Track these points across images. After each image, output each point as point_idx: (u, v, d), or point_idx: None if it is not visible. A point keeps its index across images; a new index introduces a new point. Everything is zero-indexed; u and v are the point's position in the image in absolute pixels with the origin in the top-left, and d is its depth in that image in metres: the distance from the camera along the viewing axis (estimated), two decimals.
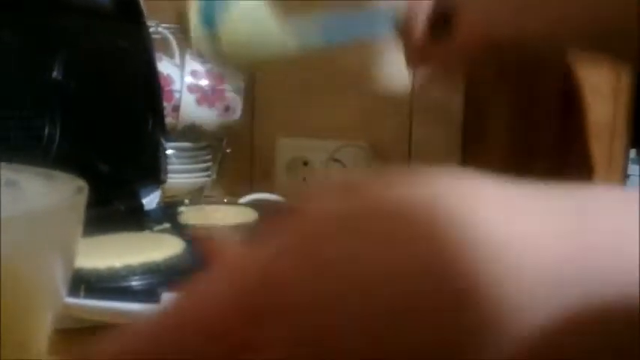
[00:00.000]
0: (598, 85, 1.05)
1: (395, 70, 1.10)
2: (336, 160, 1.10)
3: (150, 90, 0.71)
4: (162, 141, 0.72)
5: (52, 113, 0.59)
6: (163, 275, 0.49)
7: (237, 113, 1.02)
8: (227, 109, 1.00)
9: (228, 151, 1.09)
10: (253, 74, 1.14)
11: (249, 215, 0.65)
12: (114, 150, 0.67)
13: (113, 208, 0.66)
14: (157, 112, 0.72)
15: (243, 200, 1.08)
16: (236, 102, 1.02)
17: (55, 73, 0.59)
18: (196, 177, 1.04)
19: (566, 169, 1.05)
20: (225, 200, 0.95)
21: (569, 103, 1.06)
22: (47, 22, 0.60)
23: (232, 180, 1.12)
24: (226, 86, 1.00)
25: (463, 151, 1.09)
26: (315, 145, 1.12)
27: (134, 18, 0.70)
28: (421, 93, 1.09)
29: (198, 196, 1.03)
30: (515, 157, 1.08)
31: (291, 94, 1.14)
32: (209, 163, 1.06)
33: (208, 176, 1.05)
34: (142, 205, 0.69)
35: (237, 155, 1.14)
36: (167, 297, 0.43)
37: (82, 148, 0.63)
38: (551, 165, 1.07)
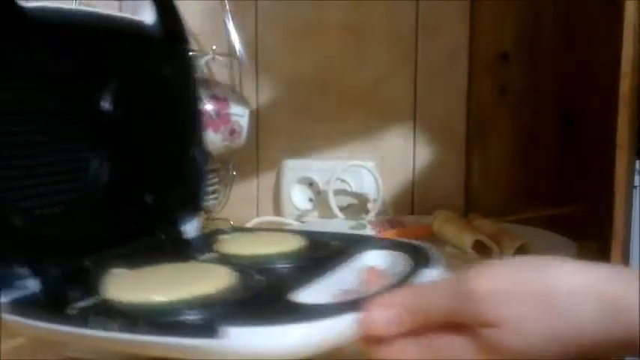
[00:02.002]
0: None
1: (399, 90, 1.11)
2: (342, 181, 1.11)
3: (193, 117, 0.70)
4: (204, 168, 0.71)
5: (101, 143, 0.58)
6: (219, 308, 0.46)
7: (242, 137, 1.03)
8: (232, 132, 1.01)
9: (234, 173, 1.10)
10: (257, 96, 1.15)
11: (296, 242, 0.63)
12: (159, 179, 0.65)
13: (155, 238, 0.64)
14: (199, 139, 0.70)
15: (250, 224, 1.09)
16: (241, 126, 1.02)
17: (103, 103, 0.58)
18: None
19: (570, 186, 1.06)
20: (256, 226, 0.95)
21: (571, 118, 1.07)
22: (96, 49, 0.59)
23: (239, 203, 1.12)
24: (231, 110, 1.01)
25: (467, 169, 1.10)
26: (320, 166, 1.13)
27: (179, 44, 0.69)
28: (424, 111, 1.10)
29: (205, 220, 1.04)
30: (517, 176, 1.09)
31: (296, 115, 1.15)
32: (216, 187, 1.06)
33: (215, 199, 1.06)
34: (182, 234, 0.67)
35: (243, 178, 1.14)
36: (226, 332, 0.41)
37: (129, 178, 0.61)
38: (554, 183, 1.07)
